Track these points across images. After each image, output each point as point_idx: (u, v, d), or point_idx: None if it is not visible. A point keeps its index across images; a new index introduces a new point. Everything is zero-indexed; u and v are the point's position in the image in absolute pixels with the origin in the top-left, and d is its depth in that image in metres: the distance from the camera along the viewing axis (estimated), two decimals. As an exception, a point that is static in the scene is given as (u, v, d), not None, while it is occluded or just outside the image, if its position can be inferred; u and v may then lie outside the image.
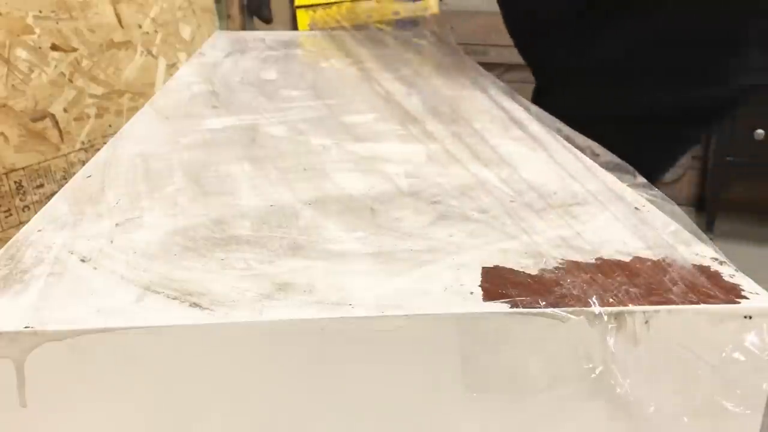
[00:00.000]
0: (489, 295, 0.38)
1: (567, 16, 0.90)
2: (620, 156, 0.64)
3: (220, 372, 0.37)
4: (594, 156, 0.65)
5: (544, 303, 0.38)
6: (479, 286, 0.39)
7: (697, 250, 0.44)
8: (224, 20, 2.00)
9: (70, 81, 1.22)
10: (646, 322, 0.37)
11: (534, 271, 0.41)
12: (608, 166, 0.62)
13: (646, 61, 0.82)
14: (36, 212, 0.49)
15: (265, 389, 0.38)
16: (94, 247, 0.44)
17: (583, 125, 0.71)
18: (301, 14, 1.44)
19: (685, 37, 0.80)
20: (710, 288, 0.39)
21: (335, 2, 1.39)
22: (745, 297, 0.38)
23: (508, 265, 0.42)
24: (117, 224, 0.48)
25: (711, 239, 0.46)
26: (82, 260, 0.42)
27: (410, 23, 1.34)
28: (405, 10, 1.33)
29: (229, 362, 0.37)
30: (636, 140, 0.81)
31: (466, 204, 0.51)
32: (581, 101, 0.87)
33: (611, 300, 0.38)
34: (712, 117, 0.86)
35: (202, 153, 0.64)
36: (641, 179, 0.58)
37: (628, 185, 0.56)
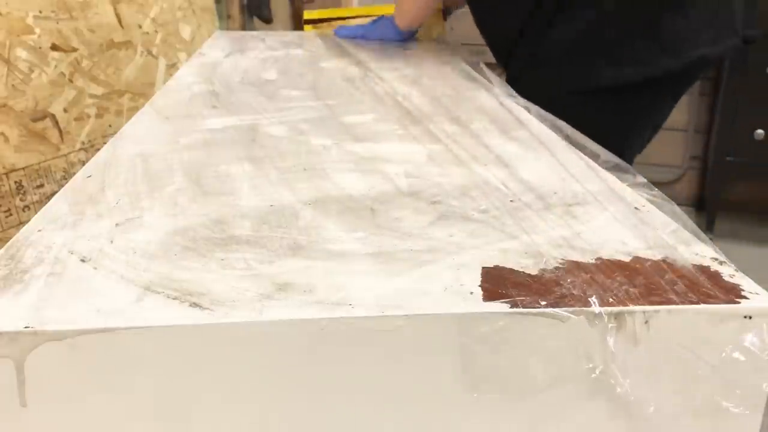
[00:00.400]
0: (489, 295, 0.38)
1: (521, 14, 0.99)
2: (588, 129, 0.73)
3: (220, 372, 0.37)
4: (594, 156, 0.65)
5: (544, 303, 0.38)
6: (479, 286, 0.39)
7: (697, 250, 0.44)
8: (224, 20, 2.00)
9: (70, 81, 1.22)
10: (646, 322, 0.37)
11: (534, 271, 0.41)
12: (608, 166, 0.62)
13: (596, 43, 0.93)
14: (36, 212, 0.49)
15: (265, 389, 0.38)
16: (94, 247, 0.44)
17: (552, 102, 0.81)
18: (308, 30, 1.45)
19: (628, 20, 0.91)
20: (710, 288, 0.39)
21: (342, 18, 1.39)
22: (745, 297, 0.38)
23: (508, 265, 0.42)
24: (117, 224, 0.48)
25: (711, 239, 0.46)
26: (82, 260, 0.42)
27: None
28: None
29: (229, 362, 0.37)
30: (600, 112, 0.93)
31: (466, 204, 0.51)
32: (547, 81, 0.97)
33: (611, 300, 0.38)
34: (668, 88, 0.98)
35: (202, 153, 0.64)
36: (641, 179, 0.58)
37: (628, 185, 0.56)
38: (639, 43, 0.91)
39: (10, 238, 0.46)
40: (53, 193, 0.55)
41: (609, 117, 0.94)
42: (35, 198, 1.17)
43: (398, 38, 1.30)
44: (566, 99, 0.88)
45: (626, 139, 0.99)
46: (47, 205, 0.51)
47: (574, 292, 0.39)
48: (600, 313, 0.37)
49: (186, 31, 1.55)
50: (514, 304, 0.37)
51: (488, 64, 1.14)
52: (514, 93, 0.88)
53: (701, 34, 0.91)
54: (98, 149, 0.74)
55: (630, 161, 0.98)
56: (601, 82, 0.93)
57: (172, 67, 1.48)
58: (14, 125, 1.12)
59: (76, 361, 0.36)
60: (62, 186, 0.55)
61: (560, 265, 0.42)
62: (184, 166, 0.60)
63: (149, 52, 1.43)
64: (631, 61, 0.91)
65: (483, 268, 0.41)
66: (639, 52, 0.91)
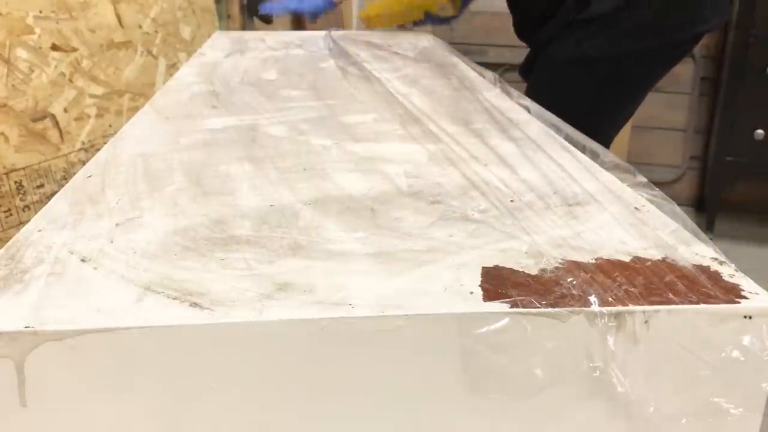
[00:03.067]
0: (489, 295, 0.38)
1: None
2: (605, 89, 1.05)
3: (220, 372, 0.37)
4: (594, 156, 0.65)
5: (544, 303, 0.38)
6: (479, 286, 0.39)
7: (697, 250, 0.44)
8: (224, 20, 2.00)
9: (70, 81, 1.22)
10: (646, 321, 0.37)
11: (534, 271, 0.41)
12: (608, 166, 0.62)
13: (630, 16, 1.08)
14: (36, 212, 0.49)
15: (265, 389, 0.38)
16: (94, 247, 0.44)
17: (579, 63, 1.08)
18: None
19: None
20: (710, 288, 0.39)
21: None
22: (745, 297, 0.38)
23: (508, 265, 0.42)
24: (117, 224, 0.48)
25: (711, 239, 0.46)
26: (82, 260, 0.42)
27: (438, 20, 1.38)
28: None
29: (229, 362, 0.37)
30: (618, 75, 1.12)
31: (466, 204, 0.52)
32: (576, 46, 1.12)
33: (611, 300, 0.38)
34: (671, 57, 1.16)
35: (202, 153, 0.64)
36: (641, 179, 0.58)
37: (628, 185, 0.56)
38: (668, 17, 1.07)
39: (10, 238, 0.46)
40: (53, 193, 0.55)
41: (624, 80, 1.13)
42: (35, 198, 1.17)
43: (329, 8, 1.36)
44: (589, 62, 1.09)
45: (635, 99, 1.19)
46: (47, 205, 0.51)
47: (574, 292, 0.39)
48: (600, 313, 0.37)
49: (186, 31, 1.55)
50: (514, 304, 0.37)
51: (487, 65, 1.14)
52: (513, 92, 0.88)
53: (704, 12, 1.08)
54: (98, 149, 0.74)
55: (628, 119, 1.24)
56: (627, 49, 1.09)
57: (172, 67, 1.48)
58: (14, 125, 1.12)
59: (76, 361, 0.36)
60: (62, 186, 0.55)
61: (560, 265, 0.42)
62: (184, 166, 0.60)
63: (149, 52, 1.43)
64: (656, 33, 1.08)
65: (483, 268, 0.41)
66: (662, 25, 1.07)
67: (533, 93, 1.11)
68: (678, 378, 0.38)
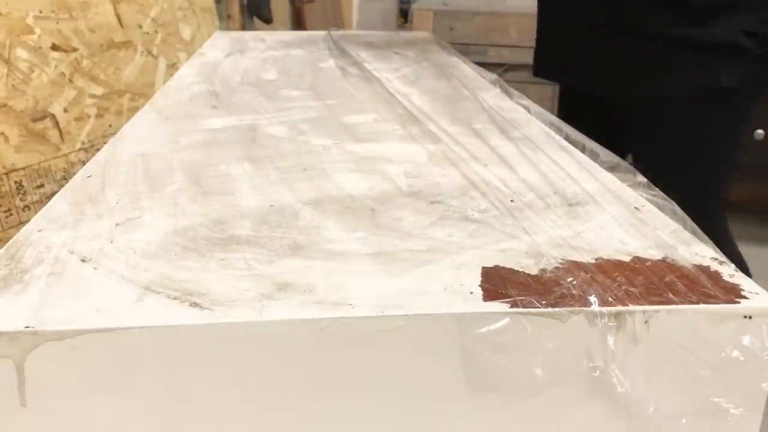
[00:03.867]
0: (489, 295, 0.38)
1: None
2: (738, 126, 0.99)
3: (220, 371, 0.37)
4: (594, 156, 0.65)
5: (544, 303, 0.38)
6: (479, 286, 0.39)
7: (697, 250, 0.44)
8: (224, 20, 2.00)
9: (70, 81, 1.22)
10: (646, 321, 0.37)
11: (534, 271, 0.41)
12: (608, 166, 0.62)
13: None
14: (36, 212, 0.49)
15: (265, 389, 0.38)
16: (94, 247, 0.44)
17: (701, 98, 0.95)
18: None
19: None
20: (710, 288, 0.39)
21: None
22: (745, 297, 0.38)
23: (508, 265, 0.42)
24: (117, 224, 0.48)
25: (711, 239, 0.46)
26: (82, 260, 0.42)
27: None
28: None
29: (229, 362, 0.37)
30: (749, 109, 1.02)
31: (466, 204, 0.52)
32: (715, 74, 0.99)
33: (611, 300, 0.38)
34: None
35: (202, 153, 0.64)
36: (641, 179, 0.58)
37: (627, 185, 0.56)
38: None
39: (10, 238, 0.46)
40: (53, 193, 0.55)
41: (750, 112, 1.04)
42: (35, 198, 1.17)
43: None
44: (725, 96, 0.96)
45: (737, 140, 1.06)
46: (47, 205, 0.51)
47: (574, 292, 0.39)
48: (600, 313, 0.37)
49: (186, 31, 1.55)
50: (514, 304, 0.37)
51: (487, 65, 1.14)
52: (513, 92, 0.88)
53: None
54: (98, 149, 0.74)
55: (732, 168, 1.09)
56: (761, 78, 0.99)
57: (172, 67, 1.48)
58: (14, 125, 1.12)
59: (76, 361, 0.36)
60: (62, 186, 0.55)
61: (560, 265, 0.42)
62: (184, 166, 0.60)
63: (149, 52, 1.43)
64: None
65: (483, 268, 0.41)
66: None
67: (661, 140, 1.01)
68: (678, 378, 0.38)
